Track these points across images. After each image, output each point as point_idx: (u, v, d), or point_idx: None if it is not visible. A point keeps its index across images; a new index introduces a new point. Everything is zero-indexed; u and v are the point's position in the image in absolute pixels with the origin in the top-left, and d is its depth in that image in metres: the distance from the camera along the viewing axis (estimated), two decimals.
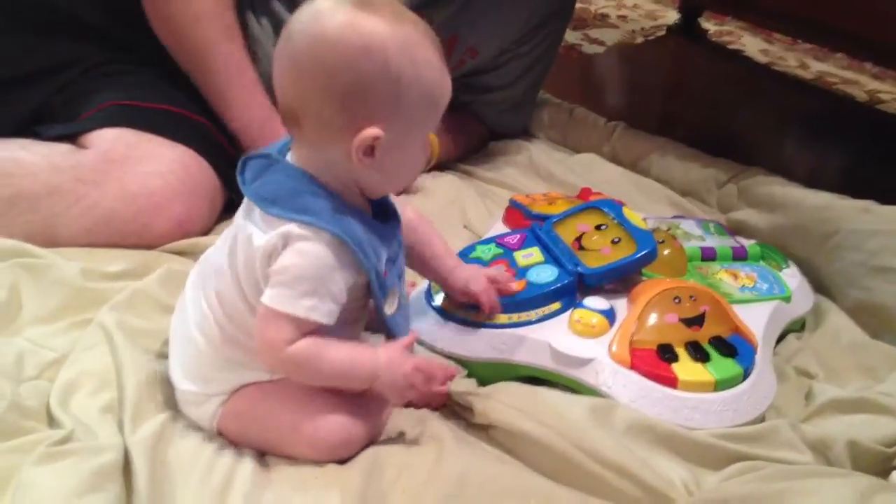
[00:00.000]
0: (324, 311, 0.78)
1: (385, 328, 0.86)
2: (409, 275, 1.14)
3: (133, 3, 1.19)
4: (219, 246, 0.87)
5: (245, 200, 0.83)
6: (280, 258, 0.77)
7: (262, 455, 0.86)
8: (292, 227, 0.77)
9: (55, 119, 1.18)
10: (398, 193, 1.31)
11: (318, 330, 0.79)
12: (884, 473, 0.87)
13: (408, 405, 0.92)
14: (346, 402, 0.85)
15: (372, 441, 0.87)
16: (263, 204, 0.79)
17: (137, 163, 1.13)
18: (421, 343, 1.00)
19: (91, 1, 1.24)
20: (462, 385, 0.95)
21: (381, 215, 0.85)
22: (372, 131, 0.76)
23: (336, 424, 0.84)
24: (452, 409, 0.93)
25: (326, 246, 0.77)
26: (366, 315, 0.89)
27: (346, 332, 0.86)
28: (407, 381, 0.83)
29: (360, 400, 0.86)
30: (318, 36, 0.75)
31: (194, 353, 0.86)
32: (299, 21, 0.76)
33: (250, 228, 0.80)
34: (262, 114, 1.20)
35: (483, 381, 0.97)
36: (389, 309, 0.85)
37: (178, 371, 0.88)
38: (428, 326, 1.00)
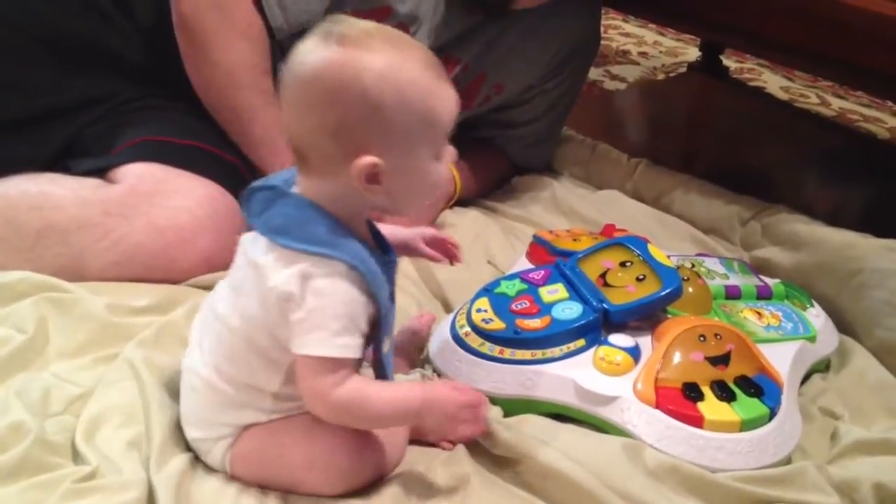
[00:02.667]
0: (355, 346, 0.79)
1: (379, 367, 0.85)
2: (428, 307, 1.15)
3: (168, 40, 1.20)
4: (220, 287, 0.88)
5: (248, 236, 0.84)
6: (304, 303, 0.77)
7: (286, 494, 0.85)
8: (306, 266, 0.77)
9: (87, 152, 1.20)
10: (422, 222, 1.33)
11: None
12: None
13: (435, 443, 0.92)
14: (355, 432, 0.84)
15: (388, 468, 0.88)
16: (273, 235, 0.80)
17: (166, 197, 1.14)
18: (444, 377, 1.00)
19: (128, 36, 1.26)
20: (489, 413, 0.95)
21: (382, 250, 0.86)
22: (367, 160, 0.77)
23: (348, 452, 0.84)
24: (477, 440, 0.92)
25: (344, 279, 0.78)
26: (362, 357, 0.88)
27: None
28: (456, 418, 0.84)
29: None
30: (302, 75, 0.78)
31: (194, 396, 0.87)
32: (289, 62, 0.79)
33: (260, 261, 0.80)
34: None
35: (507, 415, 0.97)
36: (385, 347, 0.85)
37: (185, 418, 0.89)
38: (452, 360, 1.00)
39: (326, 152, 0.78)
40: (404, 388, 0.85)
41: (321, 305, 0.77)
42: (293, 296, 0.77)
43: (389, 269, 0.85)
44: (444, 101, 0.80)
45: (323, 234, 0.79)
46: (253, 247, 0.82)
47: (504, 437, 0.89)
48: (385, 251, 0.86)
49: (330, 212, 0.80)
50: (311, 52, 0.78)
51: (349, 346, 0.79)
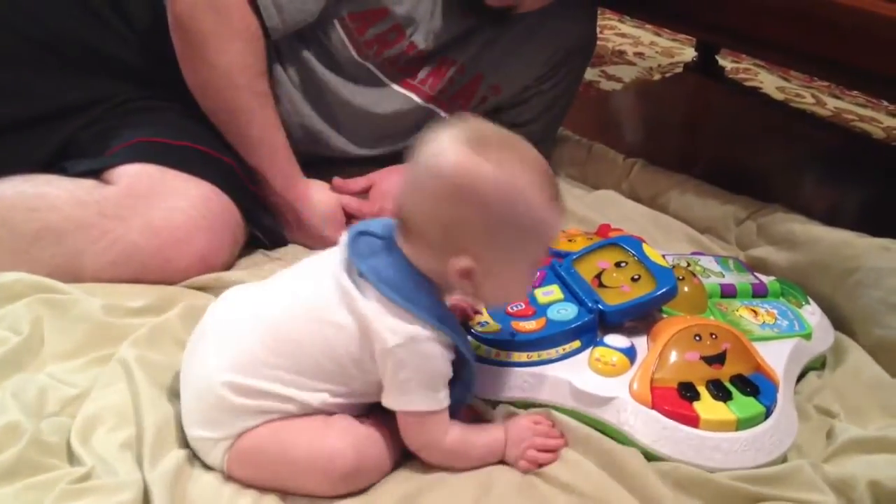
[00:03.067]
0: (447, 396, 0.87)
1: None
2: None
3: (163, 41, 1.20)
4: (278, 291, 0.91)
5: (338, 264, 0.86)
6: (410, 365, 0.84)
7: (283, 495, 0.86)
8: (416, 330, 0.83)
9: (82, 154, 1.20)
10: None
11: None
12: None
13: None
14: (358, 432, 0.87)
15: (388, 471, 0.88)
16: (385, 288, 0.83)
17: (161, 198, 1.14)
18: None
19: (123, 38, 1.25)
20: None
21: None
22: (463, 262, 0.83)
23: (347, 453, 0.85)
24: None
25: (444, 346, 0.85)
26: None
27: (356, 411, 0.90)
28: (529, 454, 0.91)
29: (374, 429, 0.88)
30: (434, 169, 0.82)
31: (204, 399, 0.87)
32: (425, 151, 0.83)
33: (366, 309, 0.84)
34: (287, 170, 1.27)
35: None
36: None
37: (189, 416, 0.89)
38: None
39: (432, 239, 0.83)
40: (493, 430, 0.92)
41: (426, 368, 0.84)
42: (398, 357, 0.83)
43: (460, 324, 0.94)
44: (554, 223, 0.86)
45: (429, 303, 0.85)
46: (351, 282, 0.85)
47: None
48: None
49: (432, 279, 0.86)
50: (446, 150, 0.82)
51: (446, 397, 0.87)
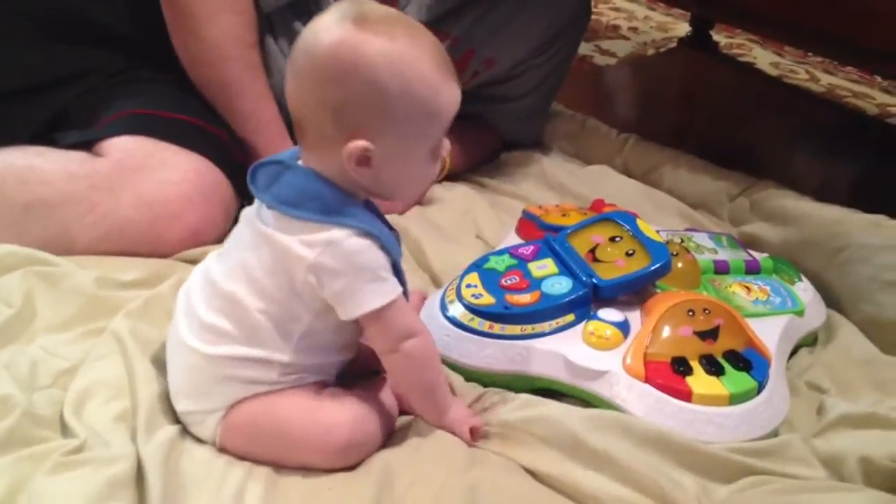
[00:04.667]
0: (397, 283, 0.84)
1: None
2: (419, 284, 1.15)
3: (154, 12, 1.19)
4: (214, 260, 0.89)
5: (250, 209, 0.85)
6: (341, 269, 0.80)
7: (274, 467, 0.85)
8: (329, 235, 0.80)
9: (73, 126, 1.19)
10: (411, 204, 1.32)
11: None
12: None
13: None
14: (353, 406, 0.86)
15: (380, 445, 0.88)
16: (286, 207, 0.81)
17: (153, 171, 1.13)
18: None
19: (114, 9, 1.24)
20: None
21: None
22: (359, 143, 0.79)
23: (345, 428, 0.85)
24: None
25: (366, 238, 0.81)
26: (356, 345, 0.91)
27: (335, 358, 0.89)
28: (467, 425, 0.89)
29: (368, 403, 0.87)
30: (315, 52, 0.79)
31: (190, 367, 0.87)
32: (303, 37, 0.80)
33: (276, 235, 0.81)
34: (278, 143, 1.24)
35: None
36: None
37: (176, 390, 0.88)
38: (442, 337, 1.00)
39: (324, 129, 0.80)
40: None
41: (357, 264, 0.81)
42: (326, 266, 0.80)
43: (396, 238, 0.87)
44: (450, 99, 0.82)
45: (336, 205, 0.81)
46: (260, 220, 0.83)
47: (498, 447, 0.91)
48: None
49: (339, 184, 0.82)
50: (327, 30, 0.79)
51: (396, 285, 0.83)
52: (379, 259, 0.82)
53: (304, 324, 0.84)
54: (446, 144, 0.85)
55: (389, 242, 0.83)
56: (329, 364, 0.89)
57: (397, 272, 0.85)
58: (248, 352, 0.84)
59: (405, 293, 0.85)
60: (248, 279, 0.84)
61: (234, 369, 0.85)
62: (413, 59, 0.79)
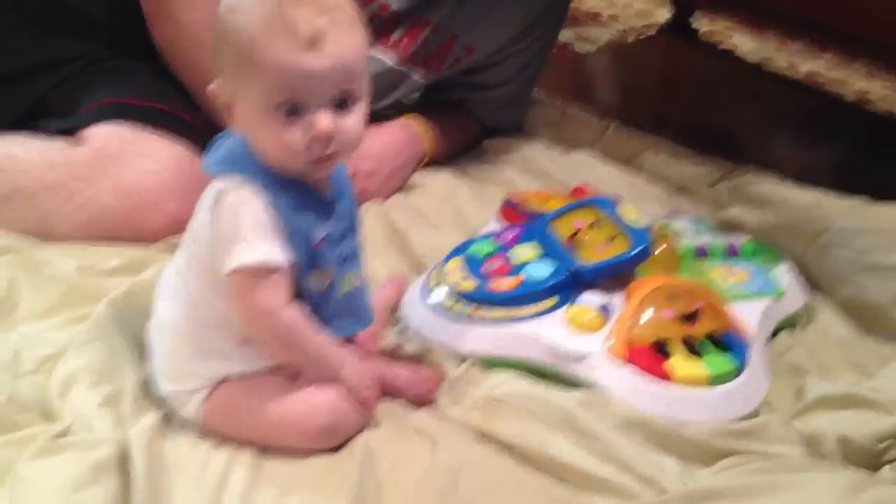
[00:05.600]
0: (281, 252, 0.80)
1: (316, 307, 0.85)
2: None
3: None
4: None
5: None
6: (220, 220, 0.80)
7: (258, 450, 0.86)
8: (224, 185, 0.81)
9: (52, 114, 1.18)
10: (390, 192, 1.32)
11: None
12: (874, 469, 0.88)
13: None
14: (334, 388, 0.86)
15: (362, 426, 0.88)
16: (206, 167, 0.83)
17: (132, 159, 1.13)
18: (417, 338, 1.01)
19: None
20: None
21: (336, 195, 0.87)
22: (213, 83, 0.82)
23: (324, 410, 0.85)
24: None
25: (257, 195, 0.80)
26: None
27: None
28: (367, 391, 0.87)
29: None
30: None
31: (165, 348, 0.88)
32: None
33: (203, 200, 0.84)
34: None
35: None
36: (314, 286, 0.85)
37: (159, 371, 0.89)
38: (425, 321, 1.01)
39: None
40: (336, 346, 0.86)
41: (238, 214, 0.79)
42: (215, 216, 0.80)
43: (335, 210, 0.85)
44: (280, 50, 0.77)
45: (242, 163, 0.81)
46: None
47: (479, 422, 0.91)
48: (338, 197, 0.87)
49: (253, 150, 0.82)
50: None
51: (274, 251, 0.80)
52: (261, 216, 0.79)
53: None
54: (320, 121, 0.79)
55: (285, 204, 0.80)
56: None
57: (304, 245, 0.82)
58: (209, 322, 0.85)
59: (317, 258, 0.83)
60: (194, 247, 0.85)
61: (204, 343, 0.85)
62: (246, 5, 0.79)
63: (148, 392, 0.89)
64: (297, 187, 0.82)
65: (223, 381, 0.86)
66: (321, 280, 0.85)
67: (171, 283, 0.88)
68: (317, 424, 0.85)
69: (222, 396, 0.86)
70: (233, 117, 0.82)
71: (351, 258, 0.89)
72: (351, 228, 0.88)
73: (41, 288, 1.01)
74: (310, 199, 0.83)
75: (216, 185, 0.82)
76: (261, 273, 0.80)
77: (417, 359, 0.99)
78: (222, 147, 0.84)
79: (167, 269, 0.90)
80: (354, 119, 0.81)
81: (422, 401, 0.94)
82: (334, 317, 0.87)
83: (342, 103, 0.80)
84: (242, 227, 0.79)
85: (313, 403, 0.85)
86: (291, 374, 0.87)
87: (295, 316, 0.82)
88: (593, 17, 2.40)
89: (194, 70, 1.21)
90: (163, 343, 0.88)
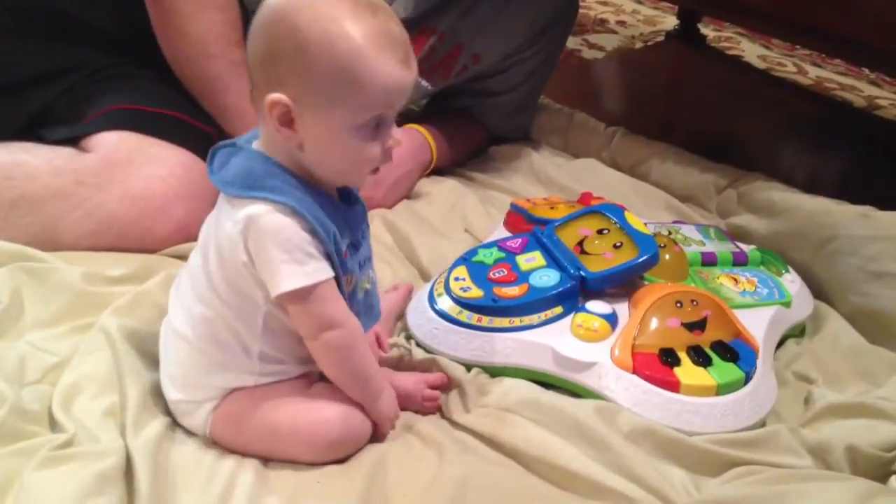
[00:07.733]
0: (325, 267, 0.80)
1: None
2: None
3: (138, 8, 1.19)
4: (194, 252, 0.89)
5: (219, 197, 0.85)
6: (260, 241, 0.78)
7: (263, 460, 0.86)
8: (251, 209, 0.78)
9: (59, 122, 1.18)
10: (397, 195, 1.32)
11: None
12: (883, 478, 0.87)
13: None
14: (341, 401, 0.86)
15: (370, 439, 0.88)
16: (225, 187, 0.81)
17: (139, 166, 1.13)
18: (423, 346, 1.01)
19: (97, 4, 1.24)
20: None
21: (348, 200, 0.86)
22: (276, 95, 0.77)
23: (334, 423, 0.85)
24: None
25: (291, 216, 0.79)
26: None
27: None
28: (391, 424, 0.90)
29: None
30: (261, 7, 0.79)
31: (178, 358, 0.87)
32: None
33: (222, 218, 0.82)
34: None
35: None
36: (343, 292, 0.84)
37: (167, 380, 0.88)
38: (431, 329, 1.00)
39: (257, 83, 0.79)
40: (380, 372, 0.89)
41: (277, 241, 0.78)
42: (249, 243, 0.79)
43: (354, 217, 0.85)
44: (378, 74, 0.77)
45: (267, 182, 0.79)
46: (218, 206, 0.84)
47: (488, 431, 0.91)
48: (351, 202, 0.86)
49: (282, 164, 0.81)
50: None
51: (321, 269, 0.80)
52: (296, 239, 0.79)
53: (262, 307, 0.82)
54: (395, 135, 0.81)
55: (323, 224, 0.80)
56: (308, 352, 0.86)
57: (337, 258, 0.81)
58: (227, 339, 0.84)
59: (338, 279, 0.82)
60: (209, 265, 0.84)
61: (219, 358, 0.85)
62: (338, 16, 0.76)
63: (153, 401, 0.89)
64: (322, 198, 0.81)
65: (233, 391, 0.86)
66: (348, 286, 0.85)
67: (186, 296, 0.87)
68: (325, 437, 0.85)
69: (230, 407, 0.86)
70: (291, 131, 0.79)
71: (366, 261, 0.89)
72: (364, 236, 0.88)
73: (46, 297, 1.00)
74: (334, 209, 0.83)
75: (246, 210, 0.79)
76: (316, 290, 0.80)
77: (423, 367, 0.98)
78: (233, 166, 0.82)
79: (181, 279, 0.90)
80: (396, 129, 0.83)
81: (428, 410, 0.94)
82: (356, 317, 0.87)
83: None
84: (287, 250, 0.78)
85: (325, 416, 0.85)
86: (304, 384, 0.87)
87: (343, 337, 0.83)
88: (601, 24, 2.40)
89: (201, 80, 1.21)
90: (176, 352, 0.88)
